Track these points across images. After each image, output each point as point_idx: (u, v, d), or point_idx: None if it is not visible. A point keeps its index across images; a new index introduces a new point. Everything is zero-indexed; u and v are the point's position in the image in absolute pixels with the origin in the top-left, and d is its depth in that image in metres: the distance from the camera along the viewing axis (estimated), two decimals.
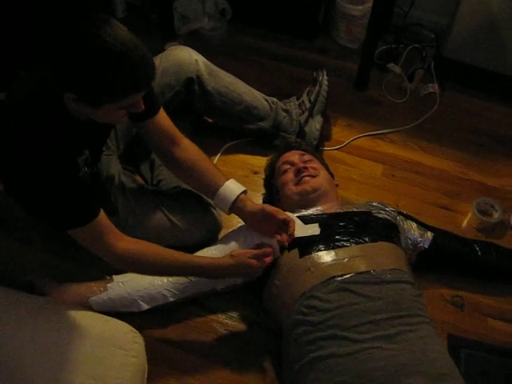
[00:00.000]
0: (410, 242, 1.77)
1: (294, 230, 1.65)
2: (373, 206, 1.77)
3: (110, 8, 2.74)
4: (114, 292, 1.68)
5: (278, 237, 1.64)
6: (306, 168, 1.83)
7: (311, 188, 1.79)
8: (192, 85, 2.02)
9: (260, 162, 2.17)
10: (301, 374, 1.43)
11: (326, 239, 1.60)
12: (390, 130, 2.35)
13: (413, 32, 2.69)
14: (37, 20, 2.25)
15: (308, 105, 2.18)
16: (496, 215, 2.02)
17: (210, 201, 1.86)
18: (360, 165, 2.23)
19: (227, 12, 2.72)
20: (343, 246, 1.58)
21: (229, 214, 1.73)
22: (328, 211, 1.74)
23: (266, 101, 2.17)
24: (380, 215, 1.73)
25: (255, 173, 2.16)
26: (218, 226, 1.90)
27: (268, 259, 1.62)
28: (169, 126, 1.71)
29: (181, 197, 1.87)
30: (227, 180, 1.72)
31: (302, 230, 1.66)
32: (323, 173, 1.86)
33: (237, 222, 1.90)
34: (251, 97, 2.14)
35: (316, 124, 2.18)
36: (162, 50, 2.12)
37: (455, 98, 2.50)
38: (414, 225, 1.81)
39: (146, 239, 1.60)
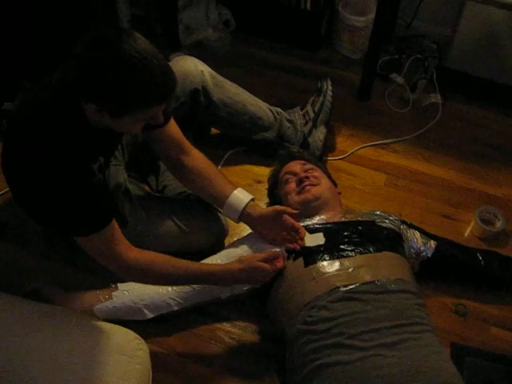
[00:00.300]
0: (413, 250, 1.78)
1: (304, 234, 1.66)
2: (376, 215, 1.78)
3: (114, 18, 2.76)
4: (119, 300, 1.69)
5: (289, 244, 1.65)
6: (307, 177, 1.84)
7: (313, 196, 1.80)
8: (198, 96, 2.02)
9: (263, 171, 2.18)
10: (305, 382, 1.44)
11: (331, 249, 1.61)
12: (392, 140, 2.36)
13: (415, 43, 2.70)
14: (41, 31, 2.27)
15: (312, 115, 2.18)
16: (499, 224, 2.03)
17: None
18: (363, 174, 2.24)
19: (231, 23, 2.74)
20: (348, 255, 1.59)
21: (238, 222, 1.75)
22: (332, 220, 1.75)
23: (271, 111, 2.18)
24: (384, 224, 1.74)
25: (258, 182, 2.17)
26: (224, 231, 1.91)
27: (279, 263, 1.63)
28: (178, 135, 1.73)
29: (187, 202, 1.88)
30: (235, 189, 1.74)
31: (307, 240, 1.67)
32: (325, 181, 1.87)
33: (242, 229, 1.93)
34: (256, 107, 2.15)
35: (319, 135, 2.19)
36: (167, 60, 2.13)
37: (457, 107, 2.51)
38: (418, 233, 1.82)
39: (155, 245, 1.61)
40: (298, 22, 2.65)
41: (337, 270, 1.56)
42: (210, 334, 1.75)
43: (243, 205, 1.71)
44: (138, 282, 1.66)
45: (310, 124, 2.18)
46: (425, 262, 1.81)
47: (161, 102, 1.37)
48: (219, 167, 2.20)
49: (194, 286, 1.71)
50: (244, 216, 1.73)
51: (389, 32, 2.67)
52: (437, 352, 1.43)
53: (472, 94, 2.52)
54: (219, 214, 1.89)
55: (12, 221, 1.97)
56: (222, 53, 2.70)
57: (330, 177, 1.95)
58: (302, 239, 1.66)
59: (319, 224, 1.73)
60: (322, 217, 1.77)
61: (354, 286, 1.51)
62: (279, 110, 2.21)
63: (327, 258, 1.59)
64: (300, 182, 1.85)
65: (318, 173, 1.89)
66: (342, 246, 1.62)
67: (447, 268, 1.86)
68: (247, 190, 1.78)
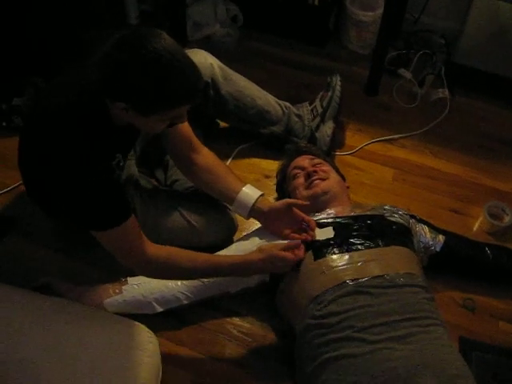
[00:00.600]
0: (421, 244, 1.78)
1: (314, 226, 1.66)
2: (385, 210, 1.78)
3: (122, 14, 2.77)
4: (129, 294, 1.70)
5: (304, 234, 1.65)
6: (315, 171, 1.84)
7: (321, 190, 1.80)
8: (207, 88, 2.03)
9: (271, 165, 2.18)
10: (314, 375, 1.45)
11: (340, 243, 1.61)
12: (400, 135, 2.36)
13: (423, 38, 2.70)
14: (50, 27, 2.28)
15: (320, 110, 2.19)
16: (507, 219, 2.03)
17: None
18: (371, 169, 2.25)
19: (239, 18, 2.75)
20: (357, 249, 1.59)
21: (248, 218, 1.76)
22: (341, 214, 1.75)
23: (279, 105, 2.18)
24: (393, 219, 1.74)
25: (267, 177, 2.18)
26: (234, 226, 1.91)
27: (301, 252, 1.61)
28: (189, 133, 1.74)
29: (196, 197, 1.88)
30: (244, 185, 1.75)
31: (317, 234, 1.67)
32: (333, 175, 1.87)
33: (250, 224, 1.93)
34: (264, 101, 2.15)
35: (327, 130, 2.19)
36: None
37: (465, 103, 2.51)
38: (426, 228, 1.82)
39: (164, 240, 1.62)
40: (305, 17, 2.66)
41: (346, 264, 1.56)
42: (219, 327, 1.76)
43: (253, 201, 1.72)
44: (156, 277, 1.65)
45: (318, 119, 2.19)
46: (433, 257, 1.81)
47: (189, 100, 1.38)
48: (228, 162, 2.21)
49: (204, 280, 1.71)
50: (254, 211, 1.73)
51: (397, 27, 2.68)
52: (446, 345, 1.43)
53: (480, 89, 2.52)
54: (228, 210, 1.89)
55: (22, 216, 1.98)
56: (229, 48, 2.70)
57: (338, 171, 1.95)
58: (313, 230, 1.66)
59: (328, 218, 1.73)
60: (331, 211, 1.77)
61: (363, 279, 1.51)
62: (288, 104, 2.21)
63: (336, 252, 1.59)
64: (308, 176, 1.85)
65: (326, 167, 1.89)
66: (351, 240, 1.62)
67: (456, 262, 1.86)
68: (255, 185, 1.79)
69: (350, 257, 1.57)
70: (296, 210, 1.70)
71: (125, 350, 1.45)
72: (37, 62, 2.28)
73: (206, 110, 2.10)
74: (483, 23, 2.33)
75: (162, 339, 1.66)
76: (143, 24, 2.78)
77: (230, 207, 1.83)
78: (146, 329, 1.52)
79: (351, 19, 2.64)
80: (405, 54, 2.65)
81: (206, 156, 1.78)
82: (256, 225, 1.89)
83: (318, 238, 1.66)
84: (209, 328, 1.76)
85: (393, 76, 2.58)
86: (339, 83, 2.20)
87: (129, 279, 1.73)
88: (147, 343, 1.49)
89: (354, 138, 2.35)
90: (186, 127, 1.73)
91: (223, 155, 2.14)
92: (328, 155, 2.16)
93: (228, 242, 1.85)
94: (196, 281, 1.71)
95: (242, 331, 1.75)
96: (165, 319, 1.73)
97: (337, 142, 2.30)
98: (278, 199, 2.04)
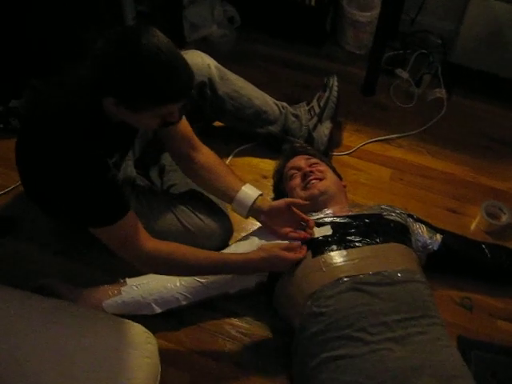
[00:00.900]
0: (419, 243, 1.78)
1: (313, 225, 1.67)
2: (383, 209, 1.79)
3: (119, 15, 2.77)
4: (128, 295, 1.70)
5: (303, 233, 1.66)
6: (312, 172, 1.85)
7: (319, 191, 1.80)
8: (204, 88, 2.04)
9: (269, 166, 2.19)
10: (312, 375, 1.45)
11: (338, 240, 1.62)
12: (397, 135, 2.36)
13: (420, 38, 2.71)
14: (48, 29, 2.28)
15: (318, 110, 2.19)
16: (504, 218, 2.03)
17: (221, 206, 1.89)
18: (368, 169, 2.25)
19: (236, 20, 2.75)
20: (355, 246, 1.60)
21: (246, 217, 1.77)
22: (339, 214, 1.75)
23: (276, 105, 2.19)
24: (391, 217, 1.74)
25: (264, 177, 2.18)
26: (229, 232, 1.92)
27: (302, 252, 1.62)
28: (188, 132, 1.75)
29: (193, 201, 1.89)
30: (244, 185, 1.75)
31: (315, 232, 1.68)
32: (330, 175, 1.88)
33: (247, 224, 1.94)
34: (261, 101, 2.16)
35: (325, 129, 2.19)
36: None
37: (462, 102, 2.52)
38: (424, 227, 1.82)
39: None
40: (302, 18, 2.66)
41: (344, 261, 1.56)
42: (217, 328, 1.76)
43: (252, 200, 1.73)
44: (157, 272, 1.66)
45: (316, 119, 2.19)
46: (431, 256, 1.81)
47: (179, 98, 1.39)
48: (226, 163, 2.20)
49: (203, 280, 1.71)
50: (253, 211, 1.74)
51: (394, 27, 2.68)
52: (444, 346, 1.43)
53: (477, 89, 2.53)
54: (224, 215, 1.90)
55: (21, 217, 1.98)
56: (226, 49, 2.70)
57: (334, 171, 1.96)
58: (312, 229, 1.67)
59: (326, 218, 1.74)
60: (329, 211, 1.77)
61: (360, 276, 1.51)
62: (285, 104, 2.22)
63: (335, 249, 1.59)
64: (305, 176, 1.85)
65: (322, 167, 1.90)
66: (349, 237, 1.62)
67: (453, 261, 1.86)
68: (253, 186, 1.79)
69: (348, 253, 1.58)
70: (295, 210, 1.70)
71: (124, 350, 1.44)
72: (35, 64, 2.28)
73: (203, 110, 2.11)
74: (480, 23, 2.33)
75: (161, 340, 1.67)
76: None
77: (229, 205, 1.83)
78: (145, 330, 1.52)
79: (348, 19, 2.64)
80: (402, 54, 2.65)
81: (206, 155, 1.78)
82: (255, 225, 1.89)
83: (316, 235, 1.66)
84: (208, 328, 1.76)
85: (390, 76, 2.59)
86: (336, 84, 2.21)
87: (128, 280, 1.73)
88: (146, 344, 1.49)
89: (352, 138, 2.35)
90: (185, 125, 1.74)
91: (221, 156, 2.12)
92: (325, 155, 2.16)
93: (223, 247, 1.85)
94: (195, 281, 1.71)
95: (241, 331, 1.75)
96: (164, 320, 1.73)
97: (334, 142, 2.30)
98: (275, 200, 2.03)
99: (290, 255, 1.61)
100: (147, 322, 1.57)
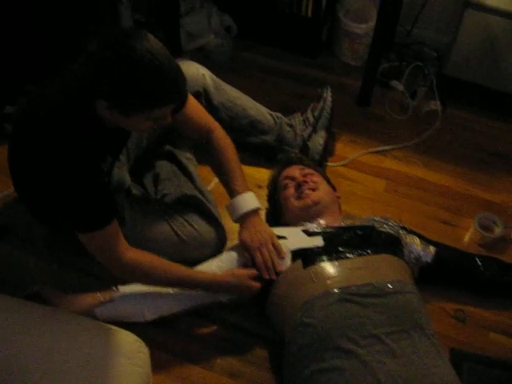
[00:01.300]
0: (412, 255, 1.78)
1: (284, 256, 1.68)
2: (375, 221, 1.79)
3: (116, 24, 2.78)
4: (120, 302, 1.70)
5: (267, 273, 1.68)
6: (306, 182, 1.85)
7: (312, 202, 1.81)
8: (199, 99, 2.03)
9: (264, 175, 2.18)
10: None
11: (330, 251, 1.62)
12: (392, 147, 2.37)
13: (415, 50, 2.72)
14: (44, 36, 2.29)
15: (312, 120, 2.20)
16: (498, 230, 2.03)
17: (216, 214, 1.90)
18: (363, 180, 2.25)
19: (232, 29, 2.76)
20: (346, 257, 1.60)
21: (234, 222, 1.78)
22: (331, 225, 1.76)
23: (271, 115, 2.20)
24: (382, 229, 1.74)
25: (259, 187, 2.17)
26: (223, 241, 1.92)
27: (258, 284, 1.67)
28: (199, 116, 1.79)
29: (187, 211, 1.88)
30: (248, 191, 1.77)
31: (306, 241, 1.68)
32: (323, 186, 1.88)
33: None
34: (256, 111, 2.17)
35: (319, 139, 2.20)
36: None
37: (457, 115, 2.52)
38: (417, 239, 1.82)
39: (150, 250, 1.62)
40: (299, 28, 2.67)
41: (335, 272, 1.56)
42: (210, 336, 1.76)
43: (245, 210, 1.74)
44: (133, 281, 1.69)
45: (310, 128, 2.20)
46: (424, 268, 1.81)
47: (170, 102, 1.40)
48: None
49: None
50: (241, 221, 1.76)
51: (389, 39, 2.69)
52: (436, 358, 1.43)
53: (471, 102, 2.54)
54: (218, 225, 1.90)
55: (14, 223, 1.98)
56: (223, 59, 2.71)
57: (328, 181, 1.96)
58: (279, 265, 1.67)
59: (318, 228, 1.74)
60: (322, 221, 1.78)
61: (351, 287, 1.51)
62: (279, 114, 2.23)
63: (326, 260, 1.60)
64: (299, 186, 1.86)
65: (316, 177, 1.90)
66: (340, 248, 1.63)
67: (447, 273, 1.86)
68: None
69: (339, 264, 1.58)
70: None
71: (115, 359, 1.44)
72: (30, 69, 2.28)
73: None
74: (474, 36, 2.35)
75: (153, 348, 1.65)
76: None
77: (217, 217, 1.86)
78: (137, 338, 1.51)
79: (344, 31, 2.65)
80: (397, 65, 2.66)
81: (219, 139, 1.82)
82: None
83: (307, 245, 1.67)
84: (199, 337, 1.75)
85: (385, 88, 2.60)
86: (330, 94, 2.22)
87: (120, 287, 1.72)
88: (138, 353, 1.48)
89: (346, 149, 2.36)
90: (197, 109, 1.79)
91: None
92: (320, 165, 2.17)
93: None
94: (187, 289, 1.71)
95: (233, 340, 1.75)
96: (155, 328, 1.73)
97: (329, 152, 2.31)
98: (269, 210, 2.04)
99: (255, 285, 1.67)
100: (139, 331, 1.57)
